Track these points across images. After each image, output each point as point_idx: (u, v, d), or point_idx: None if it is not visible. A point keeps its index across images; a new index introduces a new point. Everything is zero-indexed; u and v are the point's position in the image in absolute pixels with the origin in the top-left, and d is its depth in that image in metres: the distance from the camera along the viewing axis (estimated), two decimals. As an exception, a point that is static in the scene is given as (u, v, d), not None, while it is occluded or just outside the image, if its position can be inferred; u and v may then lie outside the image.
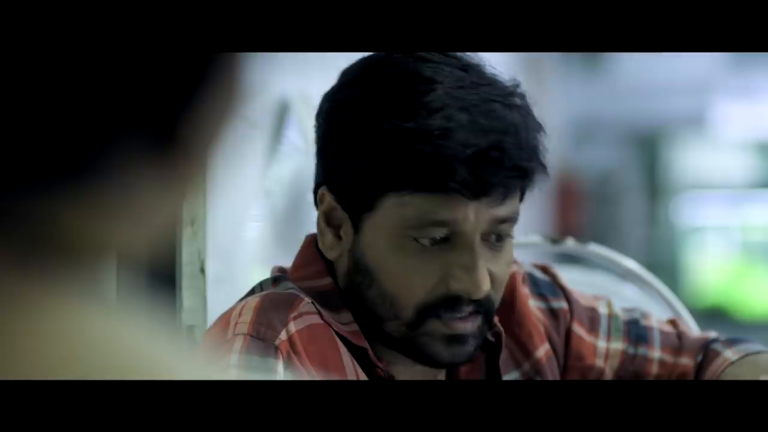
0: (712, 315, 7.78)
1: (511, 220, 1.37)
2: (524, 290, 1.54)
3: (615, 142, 9.27)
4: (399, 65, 1.37)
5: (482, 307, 1.38)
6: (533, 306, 1.55)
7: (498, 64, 1.42)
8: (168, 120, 0.56)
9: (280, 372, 1.33)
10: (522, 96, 1.39)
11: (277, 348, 1.34)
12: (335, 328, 1.40)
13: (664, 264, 8.73)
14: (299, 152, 2.17)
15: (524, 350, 1.52)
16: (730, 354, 1.56)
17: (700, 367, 1.58)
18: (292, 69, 2.13)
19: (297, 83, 2.19)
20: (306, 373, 1.34)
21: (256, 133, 2.12)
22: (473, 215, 1.34)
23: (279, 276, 1.46)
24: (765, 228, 9.41)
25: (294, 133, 2.21)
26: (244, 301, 1.40)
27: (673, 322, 1.64)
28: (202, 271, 1.76)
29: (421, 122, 1.32)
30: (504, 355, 1.49)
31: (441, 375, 1.49)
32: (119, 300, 0.58)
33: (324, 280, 1.43)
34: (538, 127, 1.37)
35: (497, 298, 1.41)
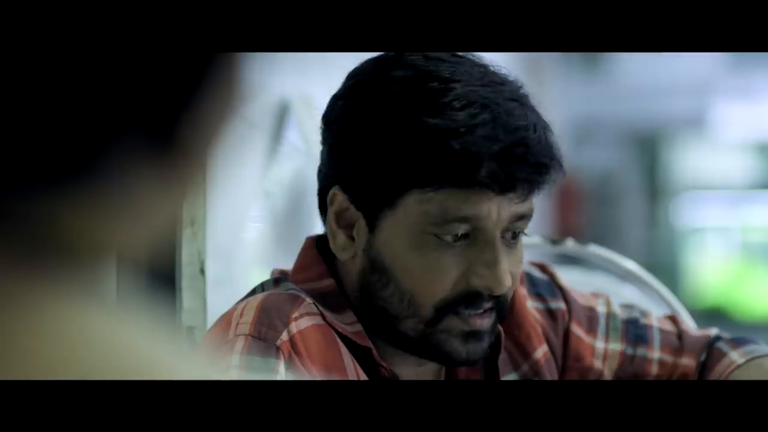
0: (712, 316, 7.77)
1: (528, 217, 1.39)
2: (522, 291, 1.54)
3: (615, 143, 9.27)
4: (413, 65, 1.37)
5: (498, 304, 1.39)
6: (531, 307, 1.55)
7: (498, 64, 1.43)
8: (168, 120, 0.56)
9: (281, 372, 1.33)
10: (530, 95, 1.41)
11: (278, 348, 1.34)
12: (338, 329, 1.40)
13: (664, 265, 8.73)
14: (299, 153, 2.17)
15: (523, 351, 1.52)
16: (736, 356, 1.55)
17: (704, 367, 1.57)
18: (292, 69, 2.13)
19: (297, 84, 2.19)
20: (307, 373, 1.34)
21: (255, 134, 2.12)
22: (496, 211, 1.35)
23: (280, 277, 1.46)
24: (765, 229, 9.41)
25: (294, 134, 2.21)
26: (245, 302, 1.39)
27: (672, 319, 1.63)
28: (202, 272, 1.76)
29: (447, 118, 1.33)
30: (502, 357, 1.49)
31: (441, 377, 1.49)
32: (119, 300, 0.58)
33: (326, 281, 1.43)
34: (550, 126, 1.39)
35: (510, 296, 1.42)
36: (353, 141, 1.37)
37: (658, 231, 9.47)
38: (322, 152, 1.43)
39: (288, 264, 1.48)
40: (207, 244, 1.75)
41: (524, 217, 1.38)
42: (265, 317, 1.35)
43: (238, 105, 0.59)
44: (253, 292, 1.45)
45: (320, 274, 1.44)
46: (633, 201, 9.38)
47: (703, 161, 9.46)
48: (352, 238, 1.40)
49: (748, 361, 1.54)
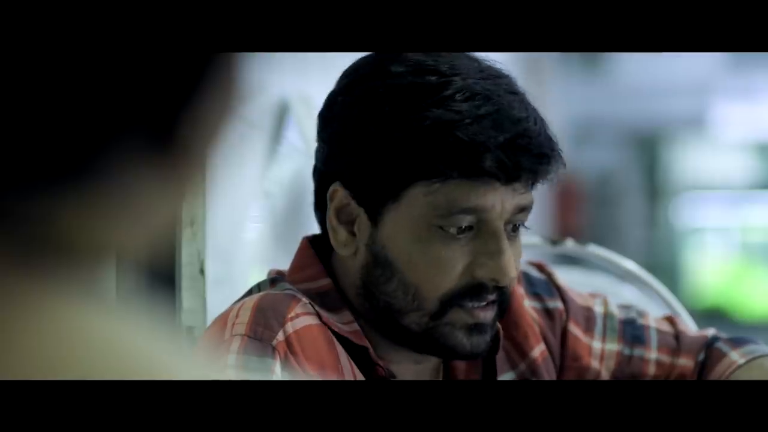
0: (712, 316, 7.77)
1: (529, 209, 1.40)
2: (519, 290, 1.54)
3: (615, 143, 9.27)
4: (411, 60, 1.38)
5: (500, 297, 1.40)
6: (528, 306, 1.55)
7: (492, 59, 1.44)
8: (167, 120, 0.56)
9: (277, 372, 1.33)
10: (524, 90, 1.42)
11: (274, 348, 1.34)
12: (335, 329, 1.40)
13: (664, 265, 8.73)
14: (298, 153, 2.17)
15: (520, 351, 1.53)
16: (736, 356, 1.55)
17: (703, 367, 1.57)
18: (292, 69, 2.13)
19: (296, 84, 2.19)
20: (303, 373, 1.34)
21: (255, 134, 2.12)
22: (500, 202, 1.36)
23: (276, 277, 1.46)
24: (765, 229, 9.41)
25: (293, 134, 2.21)
26: (241, 302, 1.40)
27: (670, 320, 1.64)
28: (202, 272, 1.76)
29: (452, 110, 1.34)
30: (500, 356, 1.49)
31: (439, 375, 1.49)
32: (119, 300, 0.58)
33: (322, 281, 1.43)
34: (545, 120, 1.40)
35: (512, 289, 1.43)
36: (355, 136, 1.38)
37: (658, 231, 9.47)
38: (319, 150, 1.43)
39: (288, 264, 1.48)
40: (206, 244, 1.75)
41: (525, 209, 1.39)
42: (261, 317, 1.35)
43: (238, 105, 0.59)
44: (250, 292, 1.45)
45: (317, 274, 1.44)
46: (633, 201, 9.38)
47: (703, 161, 9.46)
48: (353, 234, 1.40)
49: (748, 361, 1.54)
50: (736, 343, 1.58)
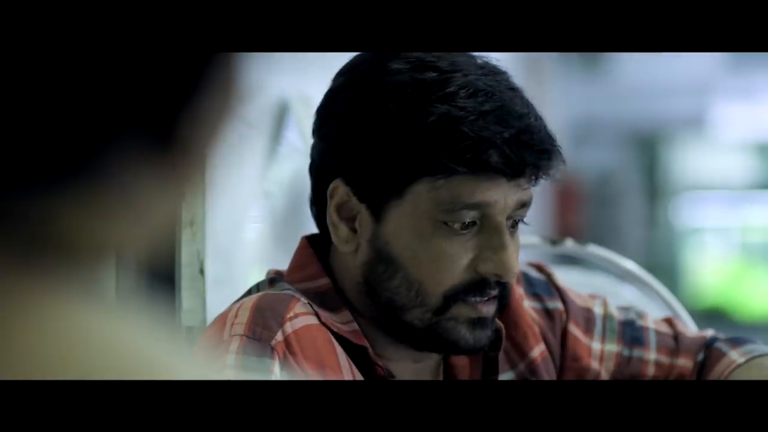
0: (712, 316, 7.77)
1: (528, 205, 1.41)
2: (519, 290, 1.54)
3: (614, 143, 9.27)
4: (413, 57, 1.38)
5: (501, 292, 1.40)
6: (528, 306, 1.55)
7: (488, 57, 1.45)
8: (167, 120, 0.56)
9: (276, 372, 1.33)
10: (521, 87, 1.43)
11: (273, 348, 1.34)
12: (334, 329, 1.40)
13: (664, 265, 8.73)
14: (298, 153, 2.17)
15: (519, 351, 1.53)
16: (736, 356, 1.56)
17: (703, 366, 1.57)
18: (291, 69, 2.13)
19: (296, 84, 2.19)
20: (302, 373, 1.34)
21: (255, 134, 2.12)
22: (503, 198, 1.37)
23: (275, 278, 1.46)
24: (764, 229, 9.41)
25: (293, 134, 2.20)
26: (240, 302, 1.40)
27: (669, 321, 1.64)
28: (202, 272, 1.75)
29: (456, 106, 1.35)
30: (500, 356, 1.49)
31: (439, 373, 1.49)
32: (118, 300, 0.58)
33: (321, 280, 1.43)
34: (542, 115, 1.41)
35: (512, 284, 1.44)
36: (357, 132, 1.37)
37: (658, 231, 9.47)
38: (317, 147, 1.43)
39: (287, 264, 1.48)
40: (206, 244, 1.75)
41: (525, 205, 1.40)
42: (259, 317, 1.35)
43: (237, 105, 0.59)
44: (249, 293, 1.45)
45: (316, 273, 1.44)
46: (632, 201, 9.38)
47: (703, 161, 9.46)
48: (354, 230, 1.40)
49: (748, 360, 1.55)
50: (736, 342, 1.58)
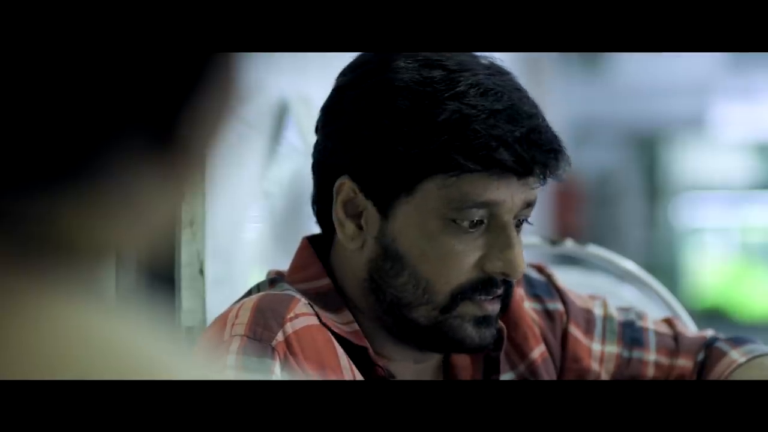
0: (711, 316, 7.77)
1: (533, 204, 1.41)
2: (519, 292, 1.54)
3: (614, 143, 9.27)
4: (420, 56, 1.38)
5: (505, 290, 1.41)
6: (528, 307, 1.55)
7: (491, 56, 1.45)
8: (167, 120, 0.56)
9: (276, 373, 1.33)
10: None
11: (273, 349, 1.34)
12: (334, 329, 1.40)
13: (664, 265, 8.74)
14: (298, 153, 2.17)
15: (520, 352, 1.53)
16: (736, 355, 1.56)
17: (703, 366, 1.57)
18: (291, 69, 2.13)
19: (296, 84, 2.19)
20: (303, 373, 1.34)
21: (254, 134, 2.12)
22: (511, 197, 1.37)
23: (276, 278, 1.46)
24: (764, 229, 9.41)
25: (293, 134, 2.20)
26: (240, 303, 1.39)
27: (669, 322, 1.64)
28: (201, 272, 1.75)
29: (467, 104, 1.35)
30: (500, 356, 1.49)
31: (440, 374, 1.49)
32: (118, 300, 0.58)
33: (322, 281, 1.43)
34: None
35: (515, 283, 1.45)
36: (365, 130, 1.37)
37: (658, 231, 9.47)
38: (322, 145, 1.43)
39: (287, 264, 1.48)
40: (206, 244, 1.75)
41: (531, 204, 1.40)
42: (260, 318, 1.35)
43: (237, 105, 0.59)
44: (249, 293, 1.45)
45: (316, 274, 1.44)
46: (632, 201, 9.38)
47: (703, 161, 9.46)
48: (360, 227, 1.40)
49: (749, 359, 1.54)
50: (736, 342, 1.58)
